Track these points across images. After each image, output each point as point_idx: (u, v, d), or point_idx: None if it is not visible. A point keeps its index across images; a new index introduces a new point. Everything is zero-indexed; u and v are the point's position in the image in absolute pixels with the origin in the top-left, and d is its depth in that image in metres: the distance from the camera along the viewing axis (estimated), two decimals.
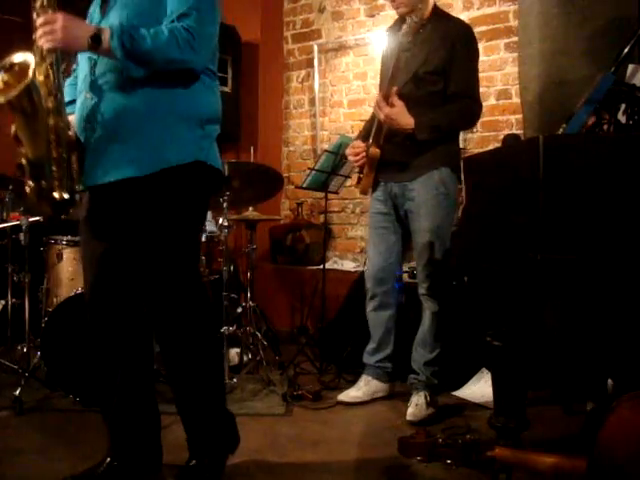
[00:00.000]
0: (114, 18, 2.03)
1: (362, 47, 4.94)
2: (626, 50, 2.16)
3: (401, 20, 3.03)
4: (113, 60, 1.95)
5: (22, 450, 2.48)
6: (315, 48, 5.10)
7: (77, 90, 2.15)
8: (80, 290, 3.05)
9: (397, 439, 1.89)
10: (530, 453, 1.74)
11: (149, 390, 2.23)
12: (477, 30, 4.21)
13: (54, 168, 1.98)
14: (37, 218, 3.27)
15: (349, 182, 4.38)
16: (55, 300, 3.26)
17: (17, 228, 3.32)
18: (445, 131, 2.92)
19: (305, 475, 2.32)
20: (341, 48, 5.04)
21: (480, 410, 3.00)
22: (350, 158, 3.19)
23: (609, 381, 2.49)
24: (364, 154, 3.07)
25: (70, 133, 2.04)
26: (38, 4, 1.91)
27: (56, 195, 1.99)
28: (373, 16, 4.87)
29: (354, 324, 3.35)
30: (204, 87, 2.10)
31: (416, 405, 2.93)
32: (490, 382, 2.18)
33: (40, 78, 1.91)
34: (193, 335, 2.11)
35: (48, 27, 1.87)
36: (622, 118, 2.03)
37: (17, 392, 2.91)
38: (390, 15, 4.75)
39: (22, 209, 3.34)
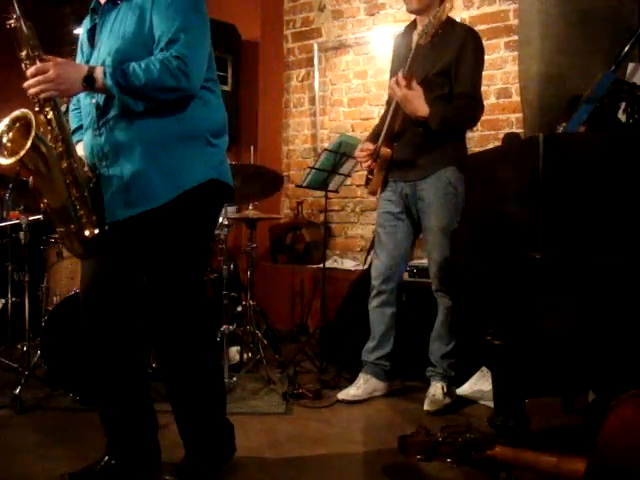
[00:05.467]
0: (104, 51, 2.03)
1: (362, 46, 4.93)
2: (626, 49, 2.16)
3: (413, 25, 3.14)
4: (111, 97, 1.96)
5: (22, 449, 2.48)
6: (315, 47, 5.10)
7: (83, 124, 2.15)
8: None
9: (397, 438, 1.89)
10: (530, 452, 1.74)
11: (143, 389, 2.24)
12: (477, 29, 4.20)
13: (78, 208, 2.01)
14: (37, 217, 3.27)
15: (349, 181, 4.39)
16: (55, 299, 3.26)
17: (17, 227, 3.32)
18: (453, 125, 2.99)
19: (305, 473, 2.32)
20: (341, 47, 5.03)
21: (480, 408, 3.01)
22: (359, 159, 3.26)
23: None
24: (371, 154, 3.15)
25: (85, 169, 2.06)
26: (24, 54, 1.91)
27: (87, 233, 2.02)
28: (373, 15, 4.86)
29: (354, 323, 3.35)
30: (204, 102, 2.10)
31: (433, 395, 3.03)
32: (490, 380, 2.18)
33: (43, 128, 1.92)
34: (193, 344, 2.12)
35: (41, 77, 1.88)
36: (622, 117, 2.03)
37: (17, 391, 2.91)
38: (390, 14, 4.76)
39: (22, 208, 3.34)
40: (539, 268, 1.75)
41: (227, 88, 4.77)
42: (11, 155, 1.91)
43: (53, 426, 2.74)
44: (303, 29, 5.22)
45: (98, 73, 1.92)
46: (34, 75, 1.89)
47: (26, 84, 1.91)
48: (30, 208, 3.57)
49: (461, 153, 3.09)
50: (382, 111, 4.76)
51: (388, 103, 3.29)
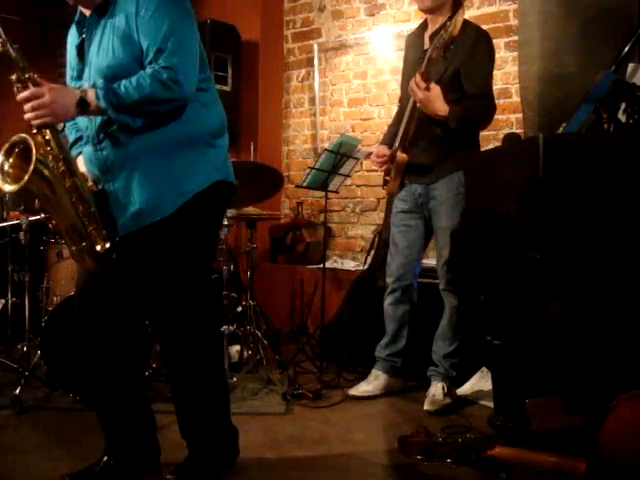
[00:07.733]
0: (95, 67, 2.00)
1: (362, 46, 4.93)
2: (626, 49, 2.16)
3: (424, 25, 3.17)
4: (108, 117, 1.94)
5: (22, 449, 2.48)
6: (315, 47, 5.10)
7: (82, 139, 2.13)
8: None
9: (397, 438, 1.89)
10: (530, 452, 1.74)
11: (139, 389, 2.25)
12: None
13: (87, 224, 1.99)
14: (37, 217, 3.26)
15: (349, 181, 4.39)
16: (55, 299, 3.26)
17: (17, 227, 3.32)
18: (469, 125, 3.02)
19: (305, 474, 2.32)
20: (341, 47, 5.03)
21: (480, 408, 3.01)
22: (376, 164, 3.29)
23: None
24: (387, 159, 3.18)
25: (89, 184, 2.05)
26: (15, 77, 1.88)
27: (98, 248, 2.01)
28: (373, 15, 4.86)
29: (354, 323, 3.35)
30: (201, 104, 2.08)
31: (433, 395, 3.04)
32: (490, 380, 2.18)
33: (42, 150, 1.90)
34: (198, 345, 2.13)
35: (36, 102, 1.86)
36: (622, 117, 2.03)
37: (17, 391, 2.91)
38: (390, 14, 4.76)
39: (22, 208, 3.34)
40: (539, 268, 1.75)
41: (227, 88, 4.78)
42: (15, 181, 1.90)
43: (53, 426, 2.74)
44: (303, 29, 5.22)
45: (90, 96, 1.90)
46: (28, 100, 1.86)
47: (25, 108, 1.88)
48: (30, 208, 3.57)
49: None
50: (382, 112, 4.81)
51: (401, 104, 3.28)
